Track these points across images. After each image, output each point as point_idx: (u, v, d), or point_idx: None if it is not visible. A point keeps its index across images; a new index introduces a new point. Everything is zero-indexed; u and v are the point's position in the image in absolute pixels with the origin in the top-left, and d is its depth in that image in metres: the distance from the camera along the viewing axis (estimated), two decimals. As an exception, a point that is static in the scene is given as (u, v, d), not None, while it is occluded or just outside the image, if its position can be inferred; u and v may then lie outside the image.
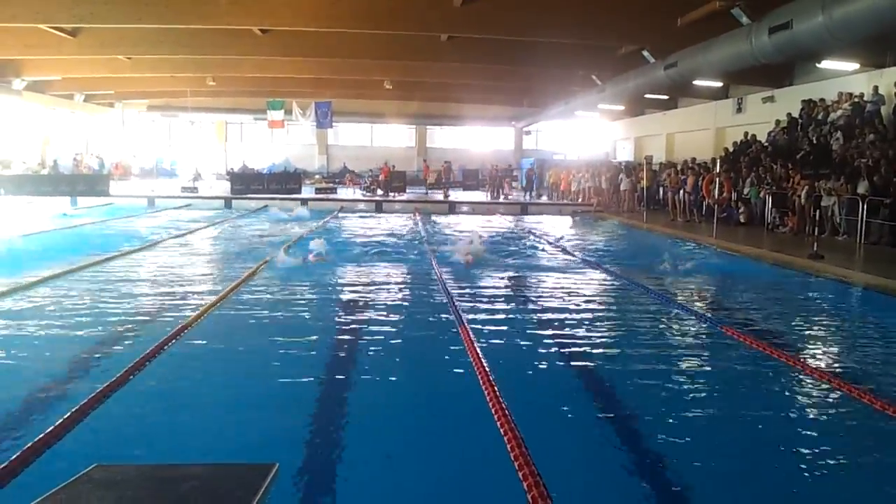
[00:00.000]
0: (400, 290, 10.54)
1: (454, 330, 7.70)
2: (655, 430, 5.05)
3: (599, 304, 10.10)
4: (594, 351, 7.27)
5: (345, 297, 9.84)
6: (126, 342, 7.10)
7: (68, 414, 4.78)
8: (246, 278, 10.58)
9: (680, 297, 10.10)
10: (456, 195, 33.19)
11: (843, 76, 20.28)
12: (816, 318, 9.36)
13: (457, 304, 9.01)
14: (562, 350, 7.23)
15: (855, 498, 4.28)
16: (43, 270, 10.75)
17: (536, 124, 44.49)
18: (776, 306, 9.94)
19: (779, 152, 20.70)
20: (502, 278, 11.57)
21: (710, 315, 8.99)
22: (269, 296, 9.54)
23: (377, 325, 8.09)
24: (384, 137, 47.38)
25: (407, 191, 32.89)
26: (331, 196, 30.50)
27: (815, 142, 19.67)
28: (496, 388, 5.45)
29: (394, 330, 7.91)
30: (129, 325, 7.78)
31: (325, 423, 5.14)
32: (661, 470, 4.50)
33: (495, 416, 4.93)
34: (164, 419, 5.10)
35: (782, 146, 21.25)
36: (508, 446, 4.40)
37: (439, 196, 32.45)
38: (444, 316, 8.51)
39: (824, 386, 6.05)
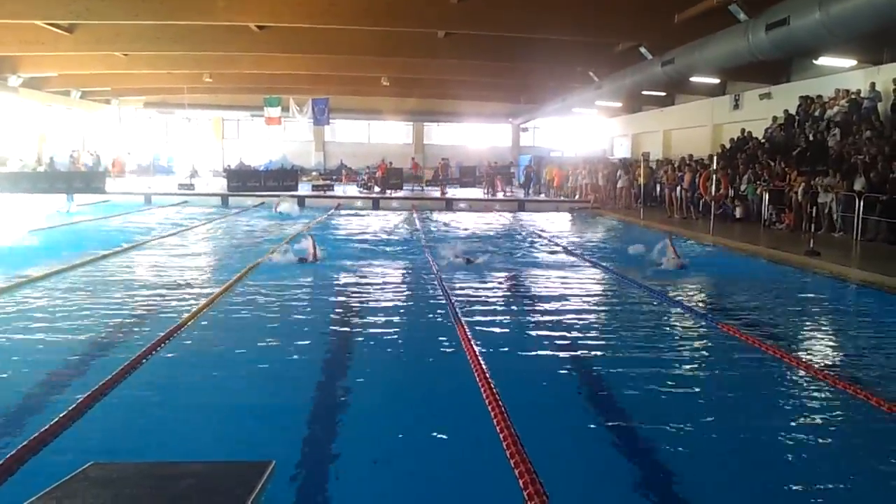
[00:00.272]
0: (396, 287, 10.54)
1: (451, 328, 7.71)
2: (652, 428, 5.06)
3: (596, 301, 10.11)
4: (590, 348, 7.27)
5: (341, 294, 9.84)
6: (122, 340, 7.09)
7: (64, 412, 4.78)
8: (241, 277, 10.57)
9: (676, 294, 10.11)
10: (453, 192, 33.17)
11: (841, 73, 20.29)
12: (813, 316, 9.37)
13: (453, 301, 9.02)
14: (558, 347, 7.24)
15: (853, 495, 4.28)
16: (37, 268, 10.73)
17: (534, 121, 44.45)
18: (773, 303, 9.95)
19: (776, 149, 20.71)
20: (499, 276, 11.57)
21: (706, 312, 9.00)
22: (264, 294, 9.52)
23: (373, 324, 8.09)
24: (381, 134, 47.33)
25: (404, 188, 32.89)
26: (328, 193, 30.46)
27: (811, 138, 19.69)
28: (493, 386, 5.45)
29: (390, 328, 7.91)
30: (125, 323, 7.78)
31: (321, 422, 5.14)
32: (657, 468, 4.50)
33: (492, 415, 4.94)
34: (160, 417, 5.10)
35: (779, 143, 21.27)
36: (504, 444, 4.40)
37: (436, 193, 32.43)
38: (440, 313, 8.51)
39: (821, 383, 6.06)
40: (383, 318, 8.32)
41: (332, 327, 7.91)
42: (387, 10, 17.78)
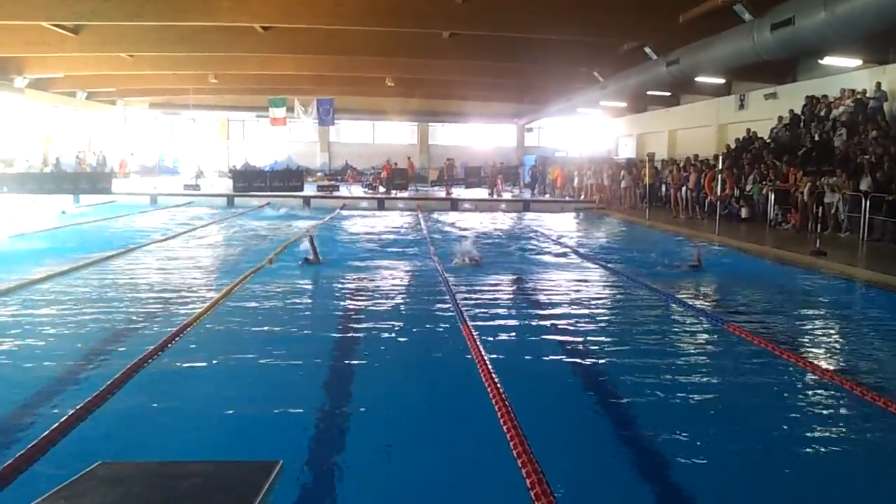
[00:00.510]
0: (402, 287, 10.53)
1: (456, 328, 7.71)
2: (659, 427, 5.06)
3: (601, 301, 10.10)
4: (596, 348, 7.27)
5: (346, 295, 9.85)
6: (128, 341, 7.11)
7: (72, 412, 4.80)
8: (246, 277, 10.58)
9: (682, 294, 10.09)
10: (458, 192, 33.16)
11: (846, 72, 20.23)
12: (819, 316, 9.35)
13: (458, 300, 9.02)
14: (564, 348, 7.24)
15: (859, 496, 4.27)
16: (43, 268, 10.79)
17: (538, 121, 44.43)
18: (779, 303, 9.92)
19: (781, 149, 20.66)
20: (504, 276, 11.56)
21: (713, 312, 8.98)
22: (269, 295, 9.52)
23: (379, 324, 8.09)
24: (386, 135, 47.35)
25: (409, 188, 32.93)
26: (333, 194, 30.49)
27: (817, 138, 19.63)
28: (499, 387, 5.45)
29: (395, 328, 7.91)
30: (131, 324, 7.80)
31: (327, 421, 5.14)
32: (664, 467, 4.50)
33: (498, 415, 4.93)
34: (167, 417, 5.11)
35: (785, 143, 21.21)
36: (511, 443, 4.40)
37: (441, 193, 32.44)
38: (445, 314, 8.51)
39: (827, 383, 6.04)
40: (389, 319, 8.31)
41: (337, 328, 7.92)
42: (391, 11, 17.78)
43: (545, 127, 47.23)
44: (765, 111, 24.28)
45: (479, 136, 47.55)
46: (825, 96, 20.96)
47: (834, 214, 16.39)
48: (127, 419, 5.00)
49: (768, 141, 22.34)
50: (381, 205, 27.43)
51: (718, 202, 18.44)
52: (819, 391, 5.95)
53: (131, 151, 42.49)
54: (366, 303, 9.24)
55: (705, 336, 8.01)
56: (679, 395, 5.79)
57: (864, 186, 15.41)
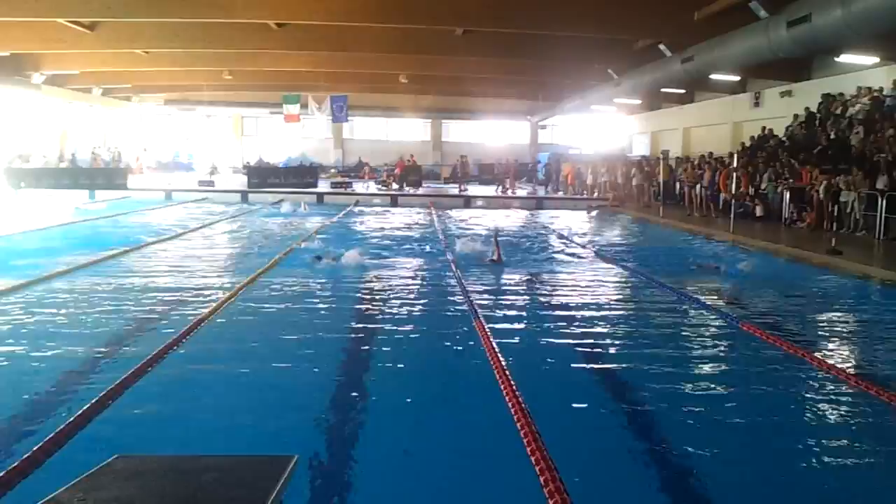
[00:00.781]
0: (415, 284, 10.53)
1: (470, 324, 7.72)
2: (674, 427, 5.05)
3: (615, 298, 10.08)
4: (611, 346, 7.27)
5: (360, 291, 9.87)
6: (142, 336, 7.15)
7: (88, 405, 4.84)
8: (262, 273, 10.64)
9: (696, 293, 10.05)
10: (472, 189, 33.14)
11: (863, 70, 20.08)
12: (835, 315, 9.27)
13: (472, 298, 9.02)
14: (577, 344, 7.23)
15: (876, 499, 4.25)
16: (59, 264, 10.86)
17: (552, 118, 44.34)
18: (794, 302, 9.87)
19: (797, 147, 20.54)
20: (517, 273, 11.54)
21: (727, 311, 8.95)
22: (284, 290, 9.57)
23: (394, 319, 8.11)
24: (399, 131, 47.39)
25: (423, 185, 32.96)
26: (347, 190, 30.56)
27: (833, 137, 19.50)
28: (512, 384, 5.46)
29: (410, 323, 7.92)
30: (146, 319, 7.84)
31: (342, 417, 5.17)
32: (679, 468, 4.49)
33: (512, 411, 4.94)
34: (184, 411, 5.14)
35: (800, 141, 21.08)
36: (525, 440, 4.41)
37: (454, 190, 32.46)
38: (459, 311, 8.52)
39: (843, 383, 6.00)
40: (402, 315, 8.33)
41: (351, 324, 7.93)
42: (405, 8, 17.81)
43: (559, 124, 47.12)
44: (780, 109, 24.14)
45: (492, 133, 47.52)
46: (841, 94, 20.83)
47: (849, 213, 16.28)
48: (144, 413, 5.04)
49: (784, 139, 22.21)
50: (394, 201, 27.46)
51: (733, 200, 18.35)
52: (835, 391, 5.90)
53: (144, 147, 42.72)
54: (380, 299, 9.26)
55: (720, 335, 7.97)
56: (694, 393, 5.77)
57: (880, 185, 15.29)
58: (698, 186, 22.36)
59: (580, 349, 7.08)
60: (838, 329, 8.56)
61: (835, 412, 5.49)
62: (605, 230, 19.69)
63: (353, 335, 7.47)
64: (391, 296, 9.49)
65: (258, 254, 12.88)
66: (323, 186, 30.75)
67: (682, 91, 29.92)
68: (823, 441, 4.87)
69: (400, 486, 4.15)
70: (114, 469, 2.29)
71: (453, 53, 23.96)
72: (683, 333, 7.96)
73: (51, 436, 4.32)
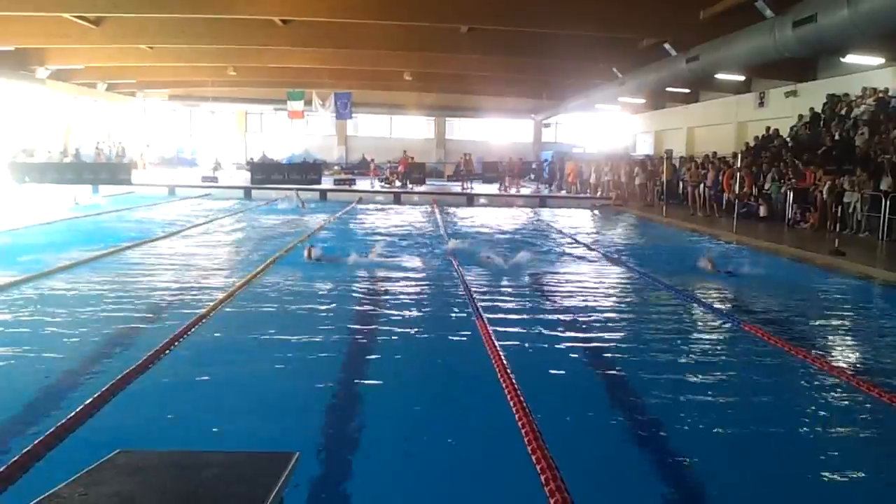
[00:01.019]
0: (418, 282, 10.52)
1: (472, 322, 7.72)
2: (675, 426, 5.04)
3: (617, 298, 10.08)
4: (612, 344, 7.26)
5: (362, 289, 9.86)
6: (143, 331, 7.15)
7: (89, 400, 4.84)
8: (263, 270, 10.64)
9: (699, 293, 10.04)
10: (474, 187, 33.13)
11: (868, 71, 20.04)
12: (838, 316, 9.24)
13: (474, 295, 9.02)
14: (579, 343, 7.22)
15: (877, 499, 4.24)
16: (60, 259, 10.86)
17: (556, 117, 44.30)
18: (797, 303, 9.85)
19: (801, 147, 20.50)
20: (520, 272, 11.53)
21: (729, 311, 8.94)
22: (285, 288, 9.56)
23: (395, 317, 8.11)
24: (403, 129, 47.40)
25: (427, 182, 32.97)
26: (350, 187, 30.56)
27: (838, 137, 19.46)
28: (513, 380, 5.46)
29: (412, 321, 7.92)
30: (146, 315, 7.83)
31: (342, 416, 5.16)
32: (680, 467, 4.48)
33: (513, 408, 4.94)
34: (184, 408, 5.14)
35: (805, 141, 21.04)
36: (525, 438, 4.41)
37: (458, 188, 32.47)
38: (461, 309, 8.51)
39: (846, 385, 5.99)
40: (404, 313, 8.33)
41: (352, 322, 7.92)
42: (410, 5, 17.81)
43: (563, 123, 47.10)
44: (785, 109, 24.10)
45: (496, 131, 47.50)
46: (846, 95, 20.77)
47: (853, 214, 16.25)
48: (145, 408, 5.04)
49: (788, 139, 22.17)
50: (397, 199, 27.46)
51: (736, 200, 18.32)
52: (836, 392, 5.89)
53: (147, 143, 42.76)
54: (381, 297, 9.25)
55: (722, 335, 7.96)
56: (695, 393, 5.76)
57: (884, 186, 15.26)
58: (702, 186, 22.33)
59: (582, 349, 7.07)
60: (840, 330, 8.53)
61: (836, 413, 5.48)
62: (607, 229, 19.67)
63: (353, 334, 7.46)
64: (392, 294, 9.48)
65: (259, 251, 12.87)
66: (326, 183, 30.73)
67: (687, 90, 29.89)
68: (825, 442, 4.88)
69: (400, 484, 4.15)
70: (115, 464, 2.29)
71: (458, 51, 23.94)
72: (685, 333, 7.95)
73: (51, 430, 4.32)
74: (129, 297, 8.67)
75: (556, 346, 7.16)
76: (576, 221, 21.25)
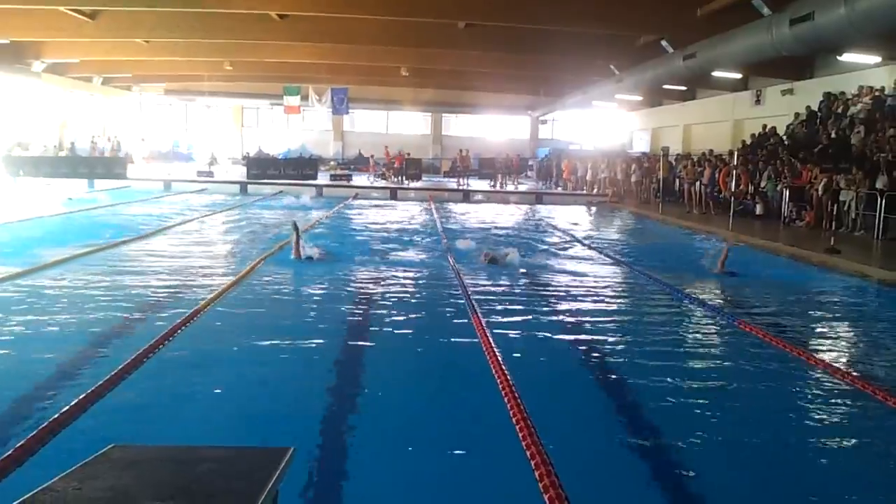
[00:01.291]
0: (414, 278, 10.51)
1: (468, 319, 7.71)
2: (670, 422, 5.05)
3: (613, 296, 10.08)
4: (607, 342, 7.27)
5: (357, 285, 9.85)
6: (137, 327, 7.13)
7: (83, 395, 4.83)
8: (256, 265, 10.61)
9: (694, 291, 10.05)
10: (473, 184, 33.13)
11: (865, 69, 20.07)
12: (833, 314, 9.28)
13: (470, 293, 9.02)
14: (575, 341, 7.24)
15: (875, 498, 4.25)
16: (55, 253, 10.83)
17: (552, 113, 44.31)
18: (792, 301, 9.87)
19: (798, 146, 20.52)
20: (515, 270, 11.52)
21: (724, 309, 8.95)
22: (280, 284, 9.57)
23: (390, 314, 8.12)
24: (400, 125, 47.36)
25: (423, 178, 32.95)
26: (347, 183, 30.53)
27: (834, 135, 19.49)
28: (509, 378, 5.46)
29: (407, 318, 7.93)
30: (140, 310, 7.81)
31: (338, 412, 5.16)
32: (676, 465, 4.49)
33: (508, 405, 4.94)
34: (179, 402, 5.14)
35: (801, 139, 21.07)
36: (520, 435, 4.41)
37: (453, 184, 32.47)
38: (457, 307, 8.50)
39: (840, 383, 6.01)
40: (400, 310, 8.32)
41: (348, 318, 7.92)
42: (407, 0, 17.78)
43: (559, 119, 47.10)
44: (781, 107, 24.12)
45: (492, 127, 47.48)
46: (843, 93, 20.81)
47: (848, 212, 16.28)
48: (139, 403, 5.04)
49: (784, 137, 22.20)
50: (393, 194, 27.44)
51: (733, 198, 18.34)
52: (831, 390, 5.91)
53: (142, 137, 42.64)
54: (377, 293, 9.24)
55: (717, 333, 7.98)
56: (690, 391, 5.77)
57: (880, 185, 15.27)
58: (698, 184, 22.34)
59: (578, 345, 7.09)
60: (835, 328, 8.57)
61: (832, 411, 5.49)
62: (603, 226, 19.70)
63: (349, 330, 7.46)
64: (388, 290, 9.47)
65: (254, 246, 12.85)
66: (322, 179, 30.70)
67: (684, 88, 29.89)
68: (821, 440, 4.90)
69: (395, 479, 4.15)
70: (110, 458, 2.28)
71: (455, 47, 23.94)
72: (681, 331, 7.97)
73: (45, 425, 4.31)
74: (124, 292, 8.63)
75: (552, 342, 7.18)
76: (572, 218, 21.25)
